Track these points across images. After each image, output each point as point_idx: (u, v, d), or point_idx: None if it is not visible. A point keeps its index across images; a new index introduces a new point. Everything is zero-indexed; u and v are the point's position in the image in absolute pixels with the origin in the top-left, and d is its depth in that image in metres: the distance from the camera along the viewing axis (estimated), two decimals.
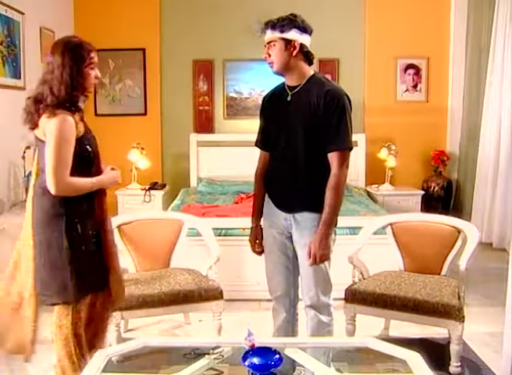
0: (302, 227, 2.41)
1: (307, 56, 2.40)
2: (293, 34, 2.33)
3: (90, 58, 2.22)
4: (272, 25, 2.35)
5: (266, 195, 2.57)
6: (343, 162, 2.33)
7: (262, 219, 2.62)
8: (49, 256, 2.20)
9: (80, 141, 2.20)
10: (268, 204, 2.55)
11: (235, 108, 6.07)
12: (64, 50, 2.17)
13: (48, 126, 2.13)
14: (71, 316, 2.23)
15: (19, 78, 4.41)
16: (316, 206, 2.35)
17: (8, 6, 4.14)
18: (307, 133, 2.35)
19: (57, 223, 2.19)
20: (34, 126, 2.20)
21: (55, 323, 2.27)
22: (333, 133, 2.31)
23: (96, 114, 6.00)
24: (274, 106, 2.51)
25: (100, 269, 2.32)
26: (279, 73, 2.42)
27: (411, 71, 6.01)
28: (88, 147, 2.25)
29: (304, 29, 2.36)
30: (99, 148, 2.35)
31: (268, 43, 2.38)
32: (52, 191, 2.13)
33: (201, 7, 5.91)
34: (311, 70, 2.43)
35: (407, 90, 6.05)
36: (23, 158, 4.05)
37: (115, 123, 5.94)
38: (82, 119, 2.27)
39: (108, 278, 2.35)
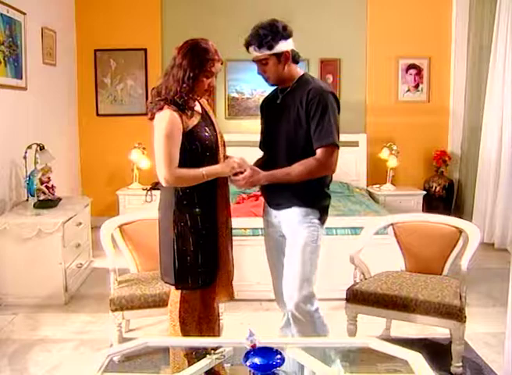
0: (290, 223, 2.43)
1: (294, 58, 2.40)
2: (281, 46, 2.31)
3: (210, 66, 2.24)
4: (258, 44, 2.30)
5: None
6: (328, 157, 2.29)
7: (262, 219, 2.65)
8: (163, 242, 2.37)
9: (188, 135, 2.23)
10: (265, 204, 2.60)
11: (236, 109, 6.07)
12: (187, 52, 2.22)
13: (156, 120, 2.23)
14: (179, 300, 2.36)
15: (21, 78, 4.41)
16: (302, 202, 2.37)
17: (9, 6, 4.14)
18: (289, 135, 2.36)
19: (169, 213, 2.30)
20: (153, 117, 2.27)
21: (170, 299, 2.45)
22: (316, 129, 2.29)
23: (97, 114, 6.01)
24: (267, 110, 2.55)
25: (209, 263, 2.34)
26: (276, 84, 2.45)
27: (413, 71, 6.01)
28: (196, 141, 2.26)
29: (288, 35, 2.34)
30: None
31: (259, 61, 2.36)
32: (162, 182, 2.24)
33: (202, 7, 5.91)
34: (299, 71, 2.44)
35: (408, 90, 6.04)
36: (25, 158, 4.06)
37: (117, 123, 5.94)
38: (193, 115, 2.28)
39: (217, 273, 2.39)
